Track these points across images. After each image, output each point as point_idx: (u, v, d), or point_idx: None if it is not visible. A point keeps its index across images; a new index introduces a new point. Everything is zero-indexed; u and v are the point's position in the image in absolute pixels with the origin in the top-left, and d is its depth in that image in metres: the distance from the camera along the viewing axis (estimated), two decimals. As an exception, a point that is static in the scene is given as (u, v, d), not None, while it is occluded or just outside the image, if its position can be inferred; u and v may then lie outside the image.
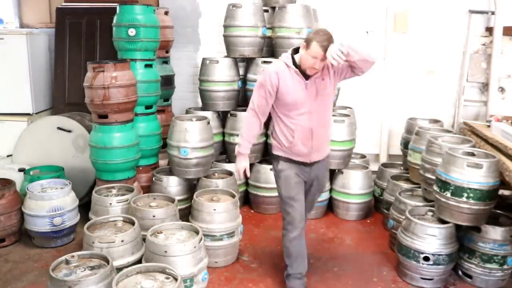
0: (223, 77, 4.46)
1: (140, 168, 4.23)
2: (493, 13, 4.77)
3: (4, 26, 5.22)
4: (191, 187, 4.21)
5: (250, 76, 4.50)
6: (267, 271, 3.41)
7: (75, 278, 2.47)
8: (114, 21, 4.11)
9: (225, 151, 4.67)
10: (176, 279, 2.46)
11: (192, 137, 3.98)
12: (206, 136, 4.04)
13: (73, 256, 2.65)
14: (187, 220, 4.16)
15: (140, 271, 2.57)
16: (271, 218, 4.33)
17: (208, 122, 4.10)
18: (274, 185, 3.18)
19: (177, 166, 4.06)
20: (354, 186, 4.30)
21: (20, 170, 4.20)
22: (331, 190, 4.40)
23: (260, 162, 4.42)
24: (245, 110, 4.49)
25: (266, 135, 4.30)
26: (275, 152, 3.00)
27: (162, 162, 4.52)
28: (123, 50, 4.16)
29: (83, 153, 4.30)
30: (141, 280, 2.48)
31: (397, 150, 4.79)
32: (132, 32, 4.02)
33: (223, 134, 4.59)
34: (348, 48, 2.65)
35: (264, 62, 4.36)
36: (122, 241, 2.92)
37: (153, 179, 4.11)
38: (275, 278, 3.31)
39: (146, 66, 4.22)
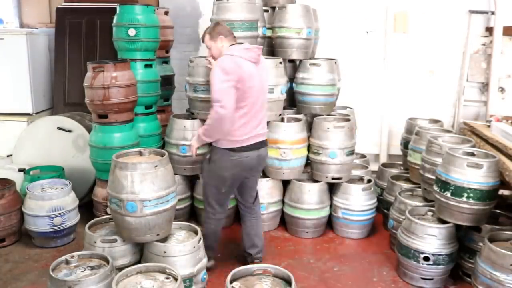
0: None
1: (140, 168, 4.22)
2: (493, 13, 4.77)
3: (4, 26, 5.21)
4: (191, 186, 4.21)
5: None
6: (267, 271, 3.41)
7: (75, 278, 2.48)
8: (114, 21, 4.11)
9: None
10: (176, 279, 2.46)
11: (191, 135, 3.98)
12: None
13: (73, 256, 2.65)
14: (187, 220, 4.18)
15: (140, 271, 2.57)
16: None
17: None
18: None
19: (176, 163, 4.07)
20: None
21: (20, 170, 4.20)
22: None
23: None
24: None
25: None
26: None
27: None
28: (123, 50, 4.16)
29: (83, 153, 4.30)
30: (141, 280, 2.48)
31: (397, 150, 4.79)
32: (132, 32, 4.02)
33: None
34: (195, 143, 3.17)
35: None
36: (124, 240, 2.92)
37: None
38: (275, 278, 3.30)
39: (146, 66, 4.22)
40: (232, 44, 3.09)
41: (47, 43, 5.12)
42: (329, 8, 4.98)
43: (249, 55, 3.02)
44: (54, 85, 5.06)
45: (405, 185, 4.00)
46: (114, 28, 4.13)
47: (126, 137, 3.83)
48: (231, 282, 2.35)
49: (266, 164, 3.29)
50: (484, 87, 5.00)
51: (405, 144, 4.26)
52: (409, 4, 4.96)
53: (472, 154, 3.25)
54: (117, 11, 4.11)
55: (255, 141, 3.09)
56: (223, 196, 3.24)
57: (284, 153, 3.87)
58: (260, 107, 3.12)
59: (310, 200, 3.90)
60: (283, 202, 4.07)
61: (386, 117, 5.15)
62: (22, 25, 5.50)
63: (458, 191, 3.08)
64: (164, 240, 2.95)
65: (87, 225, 3.03)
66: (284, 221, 4.12)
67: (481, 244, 3.01)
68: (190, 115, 4.18)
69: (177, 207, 4.01)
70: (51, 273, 2.47)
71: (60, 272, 2.56)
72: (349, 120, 4.03)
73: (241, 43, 3.12)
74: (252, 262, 3.31)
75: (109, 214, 3.72)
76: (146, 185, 2.74)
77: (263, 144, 3.18)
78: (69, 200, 3.75)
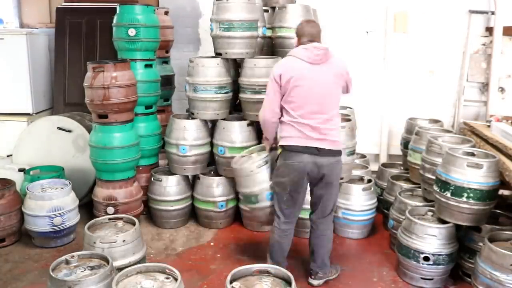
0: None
1: (140, 168, 4.23)
2: (493, 13, 4.77)
3: (4, 26, 5.21)
4: (191, 186, 4.21)
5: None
6: (267, 271, 3.41)
7: (75, 278, 2.47)
8: (114, 21, 4.11)
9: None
10: (176, 279, 2.46)
11: (190, 135, 3.99)
12: (203, 134, 4.06)
13: (73, 256, 2.65)
14: (186, 220, 4.21)
15: (140, 271, 2.57)
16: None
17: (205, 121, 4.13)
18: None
19: (175, 163, 4.08)
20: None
21: (20, 170, 4.20)
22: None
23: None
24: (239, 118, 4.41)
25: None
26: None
27: (162, 162, 4.52)
28: (123, 50, 4.16)
29: (83, 153, 4.30)
30: (141, 280, 2.48)
31: (397, 150, 4.78)
32: (132, 32, 4.02)
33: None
34: None
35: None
36: (124, 241, 2.92)
37: (152, 179, 4.11)
38: (275, 278, 3.30)
39: (146, 66, 4.22)
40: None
41: (47, 43, 5.12)
42: (329, 8, 4.97)
43: (305, 54, 2.94)
44: (54, 85, 5.06)
45: (405, 185, 4.00)
46: (114, 28, 4.13)
47: (126, 137, 3.83)
48: (231, 282, 2.35)
49: (335, 176, 3.06)
50: (484, 87, 5.00)
51: (405, 144, 4.26)
52: (409, 4, 4.96)
53: (472, 154, 3.25)
54: (117, 11, 4.11)
55: (307, 144, 2.93)
56: (285, 205, 3.09)
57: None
58: (317, 110, 2.93)
59: (310, 200, 3.90)
60: (283, 202, 4.06)
61: (386, 117, 5.15)
62: (22, 25, 5.50)
63: (458, 191, 3.08)
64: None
65: (86, 226, 3.03)
66: (284, 221, 4.11)
67: (481, 244, 3.01)
68: (190, 115, 4.18)
69: (177, 207, 4.06)
70: (51, 273, 2.47)
71: (60, 272, 2.55)
72: (350, 120, 4.03)
73: (311, 41, 3.03)
74: (310, 276, 3.27)
75: (109, 214, 3.74)
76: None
77: (322, 151, 2.94)
78: (69, 200, 3.74)
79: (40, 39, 4.98)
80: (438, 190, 3.22)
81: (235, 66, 4.20)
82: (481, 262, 2.80)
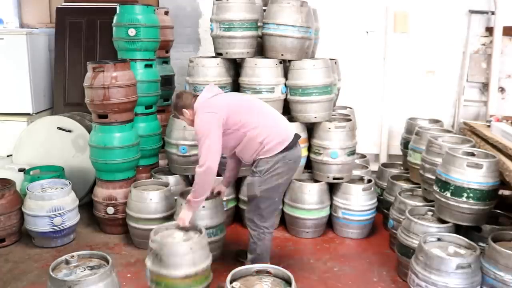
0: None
1: (140, 168, 4.23)
2: (493, 13, 4.78)
3: (4, 26, 5.22)
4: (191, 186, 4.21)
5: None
6: (267, 271, 3.40)
7: (75, 278, 2.47)
8: (114, 21, 4.11)
9: None
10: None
11: (190, 135, 3.98)
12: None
13: (73, 256, 2.65)
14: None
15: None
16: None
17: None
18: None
19: (175, 163, 4.08)
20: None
21: (20, 170, 4.20)
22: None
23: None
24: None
25: None
26: None
27: (162, 162, 4.52)
28: (123, 50, 4.16)
29: (83, 153, 4.30)
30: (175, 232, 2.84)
31: (397, 150, 4.79)
32: (132, 32, 4.02)
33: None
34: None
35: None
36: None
37: (152, 179, 4.11)
38: (275, 278, 3.30)
39: (146, 66, 4.22)
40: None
41: (47, 43, 5.13)
42: (329, 8, 4.98)
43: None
44: (54, 85, 5.06)
45: (405, 185, 4.00)
46: (114, 28, 4.13)
47: (126, 137, 3.83)
48: (231, 282, 2.35)
49: None
50: (484, 87, 5.00)
51: (405, 144, 4.26)
52: (409, 4, 4.96)
53: (472, 154, 3.25)
54: (117, 11, 4.11)
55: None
56: (278, 205, 3.37)
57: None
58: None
59: (310, 200, 3.90)
60: (283, 202, 4.06)
61: (386, 117, 5.15)
62: (22, 25, 5.50)
63: (458, 191, 3.08)
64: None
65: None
66: (284, 221, 4.12)
67: (481, 244, 3.01)
68: (190, 115, 4.18)
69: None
70: (51, 273, 2.47)
71: (60, 272, 2.55)
72: (350, 120, 4.03)
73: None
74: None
75: (109, 214, 3.74)
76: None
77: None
78: (69, 200, 3.74)
79: (40, 39, 4.99)
80: (438, 190, 3.22)
81: (235, 66, 4.21)
82: (485, 262, 2.79)
